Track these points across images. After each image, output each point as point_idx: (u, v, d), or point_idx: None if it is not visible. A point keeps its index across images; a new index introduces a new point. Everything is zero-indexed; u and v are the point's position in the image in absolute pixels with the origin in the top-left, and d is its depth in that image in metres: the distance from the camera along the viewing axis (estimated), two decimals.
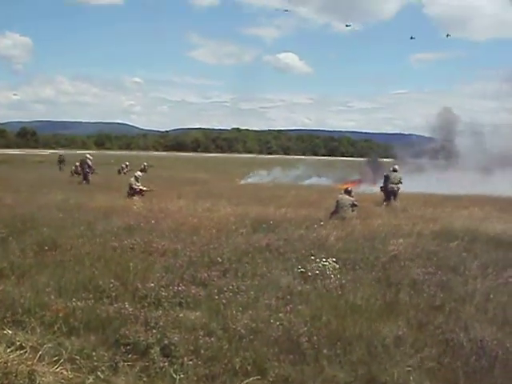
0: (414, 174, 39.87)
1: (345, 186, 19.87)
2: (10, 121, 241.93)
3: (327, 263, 9.76)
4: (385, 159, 51.26)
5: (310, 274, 9.48)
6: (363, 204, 19.42)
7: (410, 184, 31.54)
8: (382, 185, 23.69)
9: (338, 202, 17.48)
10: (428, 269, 10.01)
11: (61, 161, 50.76)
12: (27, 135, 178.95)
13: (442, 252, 11.54)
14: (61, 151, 62.55)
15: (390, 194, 22.92)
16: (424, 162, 43.28)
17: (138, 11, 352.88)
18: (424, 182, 34.76)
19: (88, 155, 35.26)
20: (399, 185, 23.05)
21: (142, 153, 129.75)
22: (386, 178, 23.18)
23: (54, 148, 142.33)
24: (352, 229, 14.39)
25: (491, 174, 35.81)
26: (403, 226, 15.18)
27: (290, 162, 74.34)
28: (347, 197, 17.55)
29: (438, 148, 45.18)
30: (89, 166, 34.04)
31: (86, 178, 33.35)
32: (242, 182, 40.94)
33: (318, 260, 9.99)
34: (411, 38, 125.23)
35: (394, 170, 23.29)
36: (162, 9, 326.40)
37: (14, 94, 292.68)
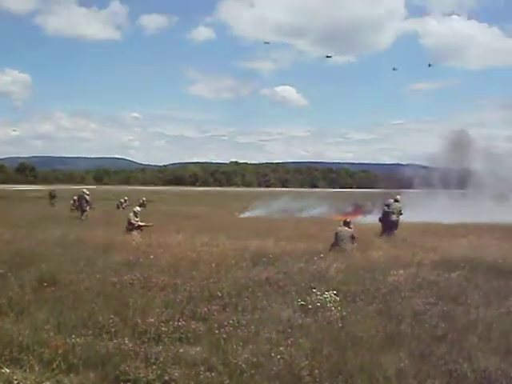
0: (413, 203, 39.93)
1: (343, 218, 19.84)
2: (8, 156, 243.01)
3: (327, 296, 9.72)
4: (384, 190, 51.34)
5: (310, 306, 9.43)
6: (363, 235, 19.40)
7: (409, 213, 31.57)
8: (380, 215, 23.57)
9: (337, 234, 17.45)
10: (429, 299, 9.96)
11: (52, 196, 50.79)
12: (26, 171, 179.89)
13: (442, 282, 11.50)
14: (52, 187, 62.21)
15: (389, 224, 22.75)
16: (424, 191, 43.39)
17: (135, 47, 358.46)
18: (423, 210, 34.77)
19: (85, 190, 35.36)
20: (399, 215, 22.91)
21: (140, 187, 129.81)
22: (386, 208, 23.04)
23: (52, 183, 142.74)
24: (352, 261, 14.35)
25: (503, 200, 35.83)
26: (403, 256, 15.15)
27: (289, 195, 74.37)
28: (346, 228, 17.52)
29: (442, 176, 45.22)
30: (86, 201, 34.14)
31: (83, 212, 33.41)
32: (241, 215, 40.94)
33: (318, 293, 9.95)
34: (393, 69, 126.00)
35: (396, 201, 23.15)
36: (159, 44, 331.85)
37: (14, 130, 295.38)
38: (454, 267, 12.92)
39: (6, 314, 8.79)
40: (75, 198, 37.17)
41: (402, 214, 23.00)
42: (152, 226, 24.04)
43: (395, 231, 22.60)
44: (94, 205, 38.89)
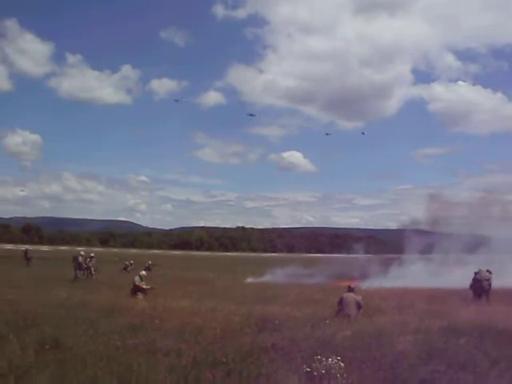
0: (418, 267, 39.73)
1: (348, 284, 19.71)
2: (15, 216, 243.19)
3: (333, 362, 9.56)
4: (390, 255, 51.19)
5: (315, 373, 9.26)
6: (368, 301, 19.25)
7: (414, 278, 31.34)
8: (471, 282, 23.95)
9: (342, 300, 17.32)
10: (437, 367, 9.77)
11: (27, 257, 50.18)
12: (32, 231, 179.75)
13: (451, 349, 11.29)
14: (28, 246, 61.72)
15: (480, 291, 23.08)
16: (430, 256, 43.21)
17: (145, 111, 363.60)
18: (428, 275, 34.56)
19: (82, 252, 35.60)
20: (489, 281, 23.44)
21: (146, 251, 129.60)
22: (476, 275, 23.47)
23: (58, 245, 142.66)
24: (358, 327, 14.17)
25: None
26: (410, 321, 14.97)
27: (295, 260, 74.04)
28: (352, 295, 17.41)
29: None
30: (78, 263, 34.33)
31: (76, 273, 33.58)
32: (247, 280, 40.70)
33: (323, 359, 9.79)
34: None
35: (488, 271, 23.68)
36: (168, 109, 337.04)
37: (21, 190, 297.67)
38: (462, 333, 12.72)
39: (5, 377, 8.63)
40: (80, 259, 37.00)
41: (491, 281, 23.62)
42: (154, 288, 23.94)
43: (487, 297, 23.33)
44: (99, 267, 38.91)
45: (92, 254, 37.36)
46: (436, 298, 23.71)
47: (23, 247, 58.48)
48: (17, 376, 8.74)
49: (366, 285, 32.00)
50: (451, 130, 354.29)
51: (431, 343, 11.78)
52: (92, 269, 35.94)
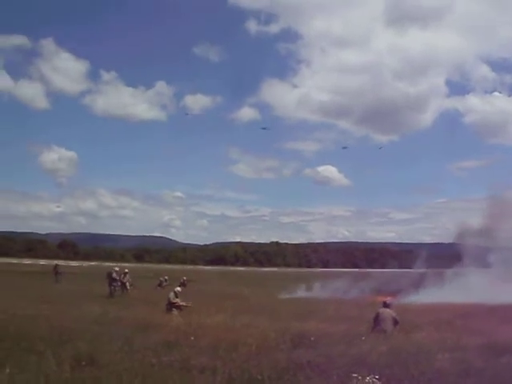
0: (455, 282, 39.11)
1: (383, 299, 19.48)
2: (51, 232, 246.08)
3: (369, 380, 9.41)
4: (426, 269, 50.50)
5: None
6: (404, 316, 19.02)
7: (452, 293, 30.80)
8: None
9: (378, 315, 17.18)
10: None
11: (57, 272, 49.55)
12: (68, 247, 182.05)
13: (490, 368, 11.05)
14: (58, 261, 61.58)
15: None
16: (467, 270, 42.52)
17: (179, 127, 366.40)
18: (467, 290, 33.99)
19: (116, 268, 35.74)
20: None
21: (181, 266, 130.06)
22: None
23: (93, 260, 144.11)
24: (394, 343, 13.97)
25: None
26: (448, 339, 14.72)
27: (330, 275, 73.56)
28: (388, 310, 17.24)
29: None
30: (113, 279, 34.44)
31: (110, 289, 33.64)
32: (282, 296, 40.48)
33: (359, 377, 9.65)
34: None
35: None
36: (203, 125, 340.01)
37: (57, 206, 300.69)
38: (502, 352, 12.44)
39: None
40: (114, 275, 37.07)
41: None
42: (190, 306, 23.95)
43: None
44: (134, 283, 39.08)
45: (126, 270, 37.54)
46: (475, 313, 23.28)
47: (55, 262, 58.18)
48: None
49: (402, 300, 31.63)
50: (487, 141, 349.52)
51: (470, 361, 11.54)
52: (127, 284, 36.10)
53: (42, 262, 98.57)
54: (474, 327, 18.08)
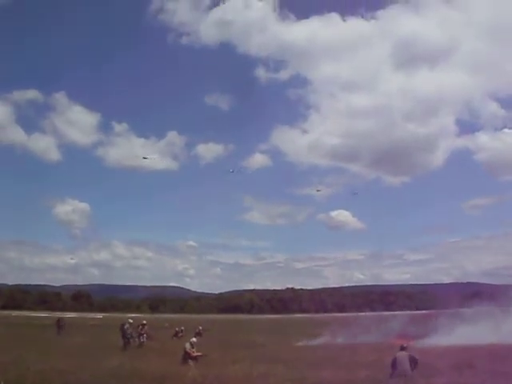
0: (479, 322, 38.55)
1: (401, 343, 19.26)
2: (65, 284, 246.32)
3: None
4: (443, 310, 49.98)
5: None
6: (424, 360, 18.78)
7: (471, 334, 30.29)
8: None
9: (395, 359, 17.07)
10: None
11: (60, 325, 49.33)
12: (82, 298, 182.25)
13: None
14: (63, 314, 61.05)
15: None
16: (488, 310, 41.97)
17: (192, 176, 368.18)
18: (487, 330, 33.50)
19: (130, 320, 35.47)
20: None
21: (196, 315, 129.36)
22: None
23: (109, 311, 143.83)
24: None
25: None
26: None
27: (346, 320, 72.89)
28: (404, 353, 17.08)
29: None
30: (124, 331, 34.19)
31: (124, 341, 33.31)
32: (298, 343, 40.06)
33: None
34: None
35: None
36: (214, 175, 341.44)
37: (71, 258, 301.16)
38: None
39: None
40: (126, 327, 36.76)
41: None
42: (205, 355, 23.82)
43: None
44: (152, 334, 38.84)
45: (144, 322, 37.32)
46: (498, 355, 22.80)
47: (58, 316, 57.86)
48: None
49: (420, 342, 31.21)
50: (499, 179, 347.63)
51: None
52: (144, 336, 35.82)
53: (57, 314, 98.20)
54: (496, 370, 17.71)
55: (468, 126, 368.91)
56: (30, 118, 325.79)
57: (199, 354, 23.62)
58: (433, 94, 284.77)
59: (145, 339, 35.60)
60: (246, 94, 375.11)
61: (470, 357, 21.73)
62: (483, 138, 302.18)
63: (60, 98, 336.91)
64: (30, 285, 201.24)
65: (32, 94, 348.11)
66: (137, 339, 35.39)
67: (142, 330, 35.94)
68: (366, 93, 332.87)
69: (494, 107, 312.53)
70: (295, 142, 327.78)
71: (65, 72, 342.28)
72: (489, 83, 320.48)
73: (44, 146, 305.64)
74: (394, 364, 17.03)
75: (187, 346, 23.70)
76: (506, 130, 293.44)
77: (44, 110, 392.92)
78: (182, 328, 47.17)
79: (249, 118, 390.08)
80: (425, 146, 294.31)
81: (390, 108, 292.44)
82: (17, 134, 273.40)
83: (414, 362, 16.82)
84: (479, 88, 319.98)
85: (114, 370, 18.37)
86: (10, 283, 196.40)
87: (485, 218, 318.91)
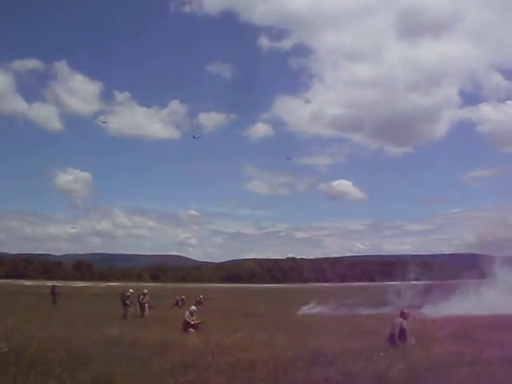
0: (475, 293, 38.67)
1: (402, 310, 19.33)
2: (67, 253, 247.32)
3: None
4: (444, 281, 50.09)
5: None
6: (422, 330, 18.92)
7: (471, 305, 30.40)
8: None
9: (391, 325, 17.24)
10: None
11: (55, 293, 47.53)
12: (83, 268, 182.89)
13: (510, 381, 10.91)
14: (55, 283, 59.73)
15: None
16: (488, 281, 42.06)
17: (193, 145, 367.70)
18: (487, 302, 33.61)
19: (131, 290, 35.53)
20: None
21: (197, 285, 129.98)
22: None
23: (109, 281, 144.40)
24: (413, 358, 13.85)
25: None
26: (466, 353, 14.55)
27: (347, 290, 73.22)
28: (401, 319, 17.18)
29: None
30: (127, 298, 34.21)
31: (125, 309, 33.39)
32: (300, 312, 40.26)
33: None
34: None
35: None
36: (217, 142, 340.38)
37: (72, 228, 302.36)
38: None
39: None
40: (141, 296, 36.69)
41: None
42: (203, 322, 23.96)
43: None
44: (154, 303, 38.94)
45: (146, 291, 37.32)
46: (495, 326, 22.94)
47: (52, 283, 56.28)
48: None
49: (420, 313, 31.35)
50: (501, 150, 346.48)
51: (490, 375, 11.40)
52: (146, 306, 35.80)
53: (59, 283, 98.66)
54: (493, 340, 17.82)
55: (471, 97, 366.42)
56: (31, 88, 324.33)
57: (198, 321, 23.74)
58: (436, 65, 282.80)
59: (146, 308, 35.65)
60: (249, 63, 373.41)
61: (467, 327, 21.88)
62: (486, 110, 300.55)
63: (61, 66, 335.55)
64: (32, 254, 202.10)
65: (33, 63, 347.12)
66: (138, 308, 35.50)
67: (143, 299, 35.95)
68: (370, 62, 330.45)
69: (497, 78, 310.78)
70: (297, 112, 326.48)
71: (66, 41, 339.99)
72: (493, 54, 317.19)
73: (45, 115, 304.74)
74: (391, 328, 17.21)
75: (187, 314, 23.83)
76: (508, 102, 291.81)
77: (45, 79, 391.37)
78: (183, 297, 47.39)
79: (251, 87, 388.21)
80: (427, 116, 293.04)
81: (393, 78, 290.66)
82: (18, 104, 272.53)
83: (402, 332, 16.91)
84: (483, 59, 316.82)
85: (115, 339, 18.45)
86: (13, 252, 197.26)
87: (486, 190, 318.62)
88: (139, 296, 35.97)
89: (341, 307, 43.05)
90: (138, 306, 35.80)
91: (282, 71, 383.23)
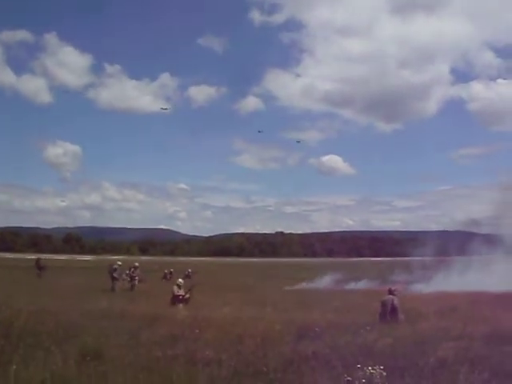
0: (461, 270, 39.01)
1: (389, 287, 19.50)
2: (56, 226, 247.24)
3: (374, 371, 9.40)
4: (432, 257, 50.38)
5: (357, 382, 9.11)
6: (409, 306, 19.08)
7: (457, 281, 30.68)
8: None
9: (382, 302, 17.31)
10: (481, 375, 9.51)
11: (40, 267, 46.78)
12: (72, 241, 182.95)
13: (496, 356, 11.02)
14: (40, 255, 58.78)
15: None
16: (473, 258, 42.44)
17: (183, 119, 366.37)
18: (473, 278, 33.94)
19: (119, 262, 35.45)
20: None
21: (186, 258, 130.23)
22: None
23: (99, 254, 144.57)
24: (400, 333, 13.98)
25: None
26: (453, 327, 14.71)
27: (335, 265, 73.56)
28: (391, 297, 17.31)
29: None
30: (114, 271, 34.16)
31: (113, 283, 33.31)
32: (287, 287, 40.50)
33: (364, 368, 9.64)
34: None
35: None
36: (207, 117, 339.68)
37: (62, 201, 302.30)
38: (508, 340, 12.42)
39: None
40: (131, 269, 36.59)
41: None
42: (190, 290, 24.03)
43: None
44: (144, 277, 38.99)
45: (136, 264, 37.30)
46: (481, 302, 23.20)
47: (37, 256, 55.05)
48: None
49: (407, 289, 31.65)
50: (491, 129, 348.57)
51: (475, 350, 11.52)
52: (136, 278, 35.80)
53: (47, 256, 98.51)
54: (479, 315, 18.02)
55: (463, 74, 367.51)
56: (20, 59, 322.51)
57: (186, 294, 23.71)
58: (429, 42, 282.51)
59: (136, 282, 35.71)
60: (240, 36, 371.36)
61: (453, 303, 22.12)
62: (477, 88, 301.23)
63: (51, 38, 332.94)
64: (20, 227, 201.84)
65: (22, 34, 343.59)
66: (128, 282, 35.56)
67: (133, 272, 36.01)
68: (362, 38, 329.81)
69: (489, 56, 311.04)
70: (288, 86, 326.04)
71: (56, 12, 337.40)
72: (486, 32, 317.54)
73: (34, 87, 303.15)
74: (382, 306, 17.31)
75: (174, 288, 23.89)
76: (500, 80, 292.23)
77: (34, 51, 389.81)
78: (171, 270, 47.56)
79: (242, 60, 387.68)
80: (418, 93, 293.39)
81: (384, 54, 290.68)
82: (6, 76, 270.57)
83: (394, 309, 17.04)
84: (476, 37, 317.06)
85: (103, 311, 18.53)
86: (1, 226, 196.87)
87: (475, 168, 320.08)
88: (130, 269, 36.08)
89: (329, 282, 43.36)
90: (127, 279, 35.92)
91: (273, 45, 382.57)
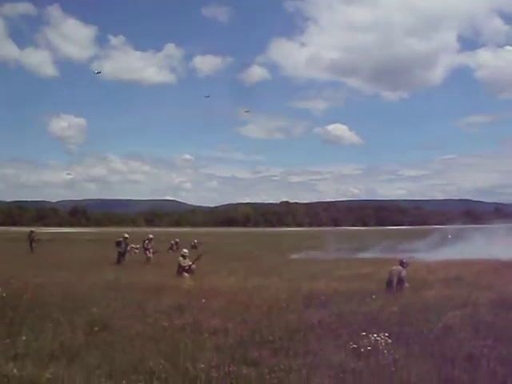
0: (466, 239, 39.04)
1: (394, 257, 19.52)
2: (62, 199, 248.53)
3: (379, 338, 9.48)
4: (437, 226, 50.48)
5: (362, 350, 9.18)
6: (414, 274, 19.15)
7: (463, 250, 30.69)
8: None
9: (389, 272, 17.35)
10: (486, 342, 9.58)
11: (32, 240, 45.06)
12: (78, 214, 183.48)
13: (500, 323, 11.10)
14: (32, 228, 56.90)
15: None
16: (478, 227, 42.46)
17: (189, 89, 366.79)
18: (478, 247, 33.97)
19: (125, 235, 35.24)
20: None
21: (192, 229, 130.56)
22: None
23: (105, 226, 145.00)
24: (405, 301, 14.07)
25: None
26: (457, 295, 14.79)
27: (341, 234, 73.62)
28: (399, 268, 17.31)
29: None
30: (126, 245, 34.03)
31: (120, 256, 33.06)
32: (293, 256, 40.55)
33: (370, 335, 9.71)
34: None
35: None
36: (212, 86, 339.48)
37: (67, 174, 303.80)
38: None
39: (58, 359, 8.77)
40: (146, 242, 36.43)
41: None
42: (198, 259, 24.18)
43: None
44: (158, 249, 38.81)
45: (151, 236, 37.00)
46: (486, 270, 23.30)
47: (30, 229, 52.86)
48: (68, 357, 8.86)
49: (413, 257, 31.70)
50: (498, 97, 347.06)
51: (479, 317, 11.60)
52: (151, 250, 35.65)
53: (54, 229, 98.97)
54: (484, 283, 18.12)
55: (470, 42, 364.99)
56: (23, 32, 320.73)
57: (189, 263, 23.75)
58: (435, 9, 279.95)
59: (151, 254, 35.57)
60: (244, 6, 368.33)
61: (459, 271, 22.17)
62: (484, 55, 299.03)
63: (53, 10, 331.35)
64: (27, 201, 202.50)
65: (24, 6, 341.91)
66: (143, 254, 35.52)
67: (148, 244, 35.92)
68: (367, 6, 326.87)
69: (497, 23, 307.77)
70: (293, 55, 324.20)
71: None
72: None
73: (38, 60, 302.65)
74: (388, 277, 17.36)
75: (180, 258, 23.96)
76: (508, 47, 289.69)
77: (37, 24, 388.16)
78: (177, 240, 47.59)
79: (247, 30, 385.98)
80: (425, 62, 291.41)
81: (390, 22, 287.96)
82: (9, 49, 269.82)
83: (400, 281, 17.09)
84: (484, 3, 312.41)
85: (110, 283, 18.65)
86: (8, 200, 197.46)
87: (481, 136, 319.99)
88: (144, 241, 36.05)
89: (334, 251, 43.41)
90: (133, 250, 36.04)
91: (277, 14, 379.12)
